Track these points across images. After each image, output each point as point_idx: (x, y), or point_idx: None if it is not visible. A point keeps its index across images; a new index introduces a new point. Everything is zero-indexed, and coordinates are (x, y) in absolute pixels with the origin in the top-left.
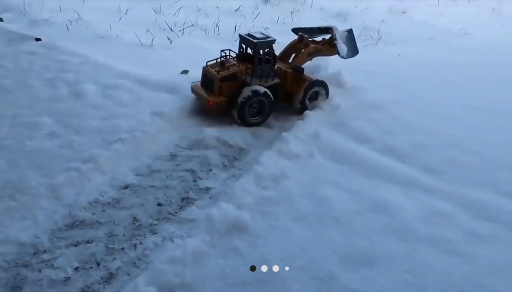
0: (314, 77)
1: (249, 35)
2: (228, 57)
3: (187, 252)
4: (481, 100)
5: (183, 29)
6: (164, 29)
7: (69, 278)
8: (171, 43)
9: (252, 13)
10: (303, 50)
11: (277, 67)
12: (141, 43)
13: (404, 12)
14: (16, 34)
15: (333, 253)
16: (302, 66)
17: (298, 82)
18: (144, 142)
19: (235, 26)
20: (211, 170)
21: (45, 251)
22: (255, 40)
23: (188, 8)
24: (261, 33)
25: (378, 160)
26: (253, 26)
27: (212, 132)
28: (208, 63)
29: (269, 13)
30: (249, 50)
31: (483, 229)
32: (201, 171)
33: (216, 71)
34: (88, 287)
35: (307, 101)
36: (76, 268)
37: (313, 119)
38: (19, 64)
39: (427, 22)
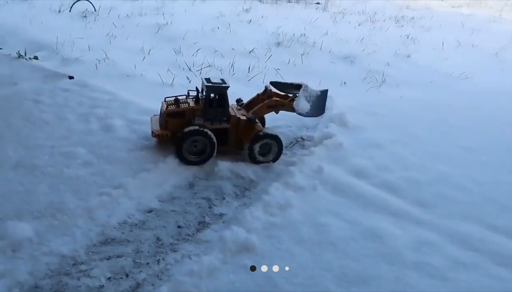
0: (267, 129)
1: (207, 79)
2: (188, 96)
3: (203, 267)
4: (475, 141)
5: (201, 69)
6: (184, 69)
7: (103, 286)
8: (190, 82)
9: (265, 55)
10: (265, 101)
11: (231, 113)
12: (163, 82)
13: (408, 56)
14: (51, 72)
15: (329, 272)
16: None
17: (248, 131)
18: (166, 172)
19: (249, 67)
20: (224, 198)
21: (82, 263)
22: (207, 84)
23: (206, 49)
24: (221, 79)
25: (374, 193)
26: (265, 67)
27: (226, 165)
28: (166, 99)
29: (281, 55)
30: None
31: (466, 257)
32: (216, 199)
33: (167, 106)
34: None
35: (256, 154)
36: (108, 278)
37: (317, 156)
38: (55, 99)
39: (430, 65)
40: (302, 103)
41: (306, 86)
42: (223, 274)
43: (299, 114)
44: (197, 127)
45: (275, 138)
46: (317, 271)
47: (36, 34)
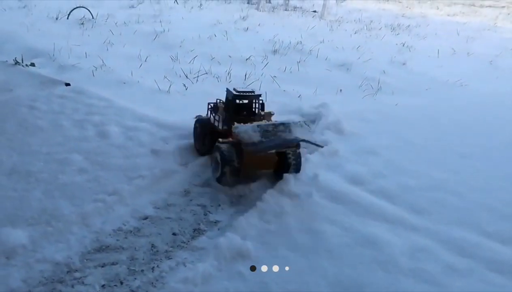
0: (223, 144)
1: (236, 89)
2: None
3: (197, 275)
4: (469, 147)
5: (198, 76)
6: (180, 76)
7: None
8: (186, 89)
9: (262, 62)
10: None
11: (235, 123)
12: (159, 89)
13: (404, 64)
14: (47, 79)
15: (324, 279)
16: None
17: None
18: (161, 179)
19: (245, 74)
20: (220, 205)
21: (76, 270)
22: (228, 88)
23: (203, 57)
24: (251, 90)
25: (370, 200)
26: (262, 75)
27: None
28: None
29: (277, 62)
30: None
31: (461, 263)
32: (211, 206)
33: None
34: None
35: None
36: (103, 285)
37: (313, 163)
38: (51, 106)
39: (426, 73)
40: (242, 130)
41: (287, 124)
42: (217, 281)
43: (240, 140)
44: (203, 118)
45: (219, 152)
46: (311, 277)
47: (33, 41)
